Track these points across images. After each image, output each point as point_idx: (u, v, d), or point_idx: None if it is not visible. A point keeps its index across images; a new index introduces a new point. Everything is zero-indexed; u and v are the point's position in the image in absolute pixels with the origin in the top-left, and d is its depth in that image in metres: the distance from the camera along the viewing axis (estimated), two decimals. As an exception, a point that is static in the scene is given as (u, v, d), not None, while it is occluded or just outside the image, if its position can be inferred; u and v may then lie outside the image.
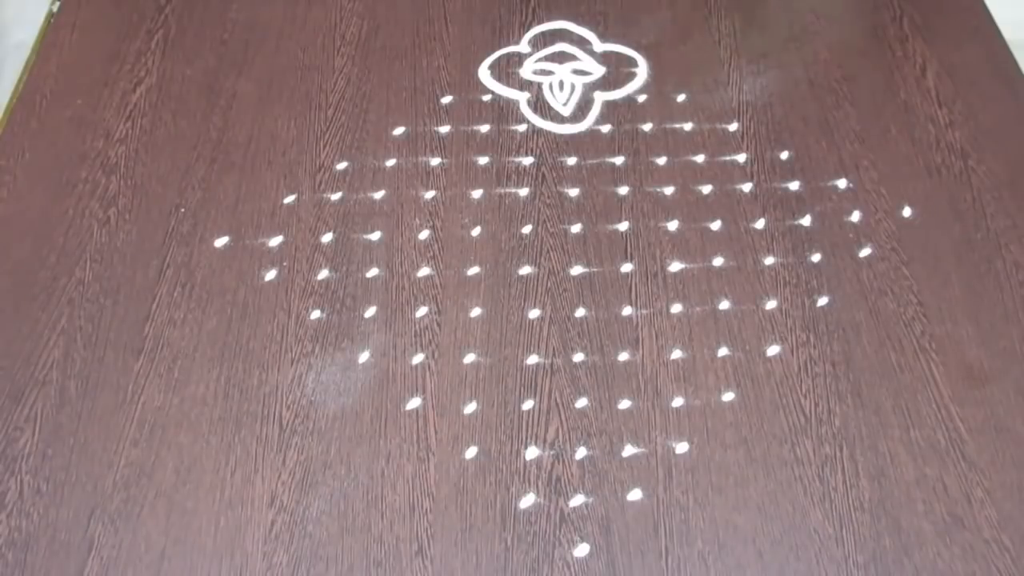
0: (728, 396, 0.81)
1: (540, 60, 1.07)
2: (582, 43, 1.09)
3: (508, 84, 1.04)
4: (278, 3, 1.13)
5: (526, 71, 1.06)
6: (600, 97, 1.04)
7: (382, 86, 1.04)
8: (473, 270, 0.89)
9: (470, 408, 0.80)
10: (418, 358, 0.83)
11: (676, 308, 0.86)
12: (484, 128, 1.00)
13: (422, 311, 0.86)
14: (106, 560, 0.71)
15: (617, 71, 1.06)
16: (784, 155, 0.98)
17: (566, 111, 1.02)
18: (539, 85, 1.05)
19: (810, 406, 0.80)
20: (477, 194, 0.94)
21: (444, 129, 1.00)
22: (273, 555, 0.72)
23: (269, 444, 0.77)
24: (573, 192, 0.95)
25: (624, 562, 0.72)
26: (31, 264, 0.88)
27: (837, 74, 1.06)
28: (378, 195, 0.94)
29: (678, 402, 0.80)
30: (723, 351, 0.83)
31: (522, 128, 1.00)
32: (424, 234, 0.91)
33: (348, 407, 0.80)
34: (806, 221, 0.93)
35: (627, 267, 0.89)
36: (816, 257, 0.90)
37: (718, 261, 0.90)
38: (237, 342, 0.83)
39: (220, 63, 1.06)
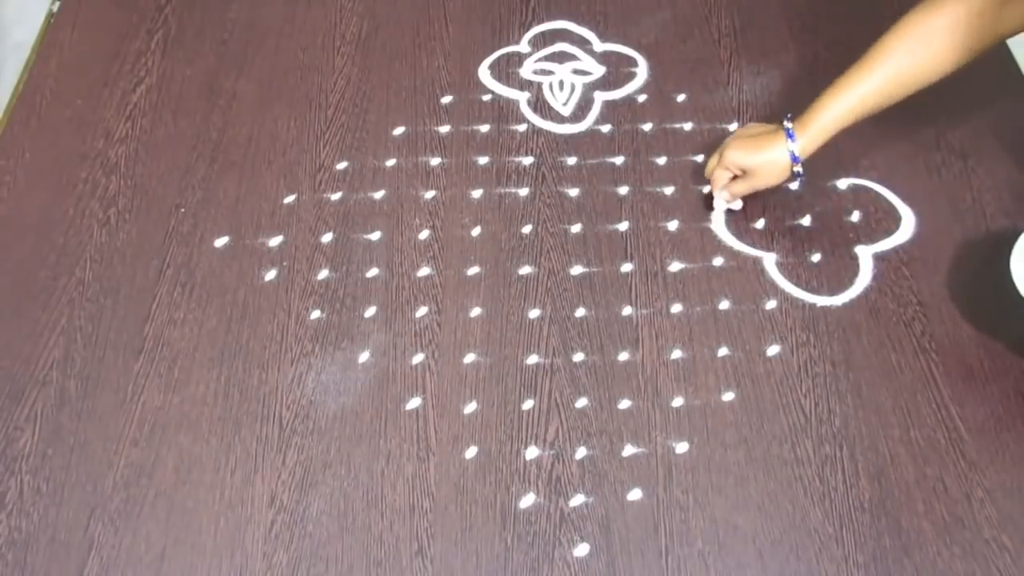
0: (728, 396, 0.81)
1: (540, 60, 1.07)
2: (582, 43, 1.09)
3: (508, 84, 1.04)
4: (278, 3, 1.13)
5: (526, 71, 1.06)
6: (600, 97, 1.04)
7: (382, 86, 1.04)
8: (473, 270, 0.89)
9: (470, 408, 0.80)
10: (418, 358, 0.83)
11: (676, 308, 0.86)
12: (484, 128, 1.00)
13: (422, 311, 0.86)
14: (106, 560, 0.71)
15: (617, 71, 1.06)
16: (784, 155, 0.98)
17: (566, 111, 1.02)
18: (539, 85, 1.05)
19: (810, 406, 0.80)
20: (477, 194, 0.94)
21: (444, 129, 1.00)
22: (273, 555, 0.72)
23: (269, 444, 0.77)
24: (573, 192, 0.95)
25: (624, 562, 0.72)
26: (31, 264, 0.88)
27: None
28: (378, 195, 0.94)
29: (678, 402, 0.80)
30: (723, 351, 0.83)
31: (522, 128, 1.00)
32: (424, 234, 0.91)
33: (348, 407, 0.80)
34: (806, 221, 0.93)
35: (627, 267, 0.89)
36: (816, 257, 0.90)
37: (718, 261, 0.90)
38: (237, 342, 0.83)
39: (220, 63, 1.06)
